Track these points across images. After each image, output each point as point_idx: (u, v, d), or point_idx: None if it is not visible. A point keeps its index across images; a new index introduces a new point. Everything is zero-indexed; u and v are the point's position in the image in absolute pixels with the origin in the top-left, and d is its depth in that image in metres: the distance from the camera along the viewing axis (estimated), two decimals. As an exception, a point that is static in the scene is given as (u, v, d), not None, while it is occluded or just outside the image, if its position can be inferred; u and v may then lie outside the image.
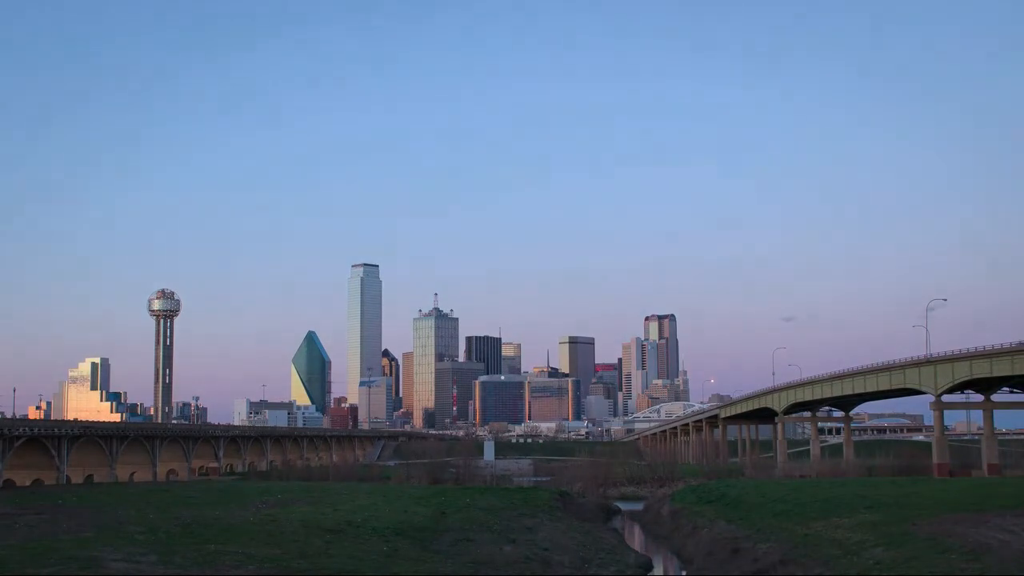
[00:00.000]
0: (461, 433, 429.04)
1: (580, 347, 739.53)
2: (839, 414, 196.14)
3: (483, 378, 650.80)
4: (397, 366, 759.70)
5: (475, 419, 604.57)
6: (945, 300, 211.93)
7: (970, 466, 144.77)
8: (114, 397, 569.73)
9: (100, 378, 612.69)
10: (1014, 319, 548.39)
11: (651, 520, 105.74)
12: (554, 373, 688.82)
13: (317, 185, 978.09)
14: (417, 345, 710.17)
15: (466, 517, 77.21)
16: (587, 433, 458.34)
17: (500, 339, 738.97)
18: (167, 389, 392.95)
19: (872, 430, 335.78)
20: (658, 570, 72.12)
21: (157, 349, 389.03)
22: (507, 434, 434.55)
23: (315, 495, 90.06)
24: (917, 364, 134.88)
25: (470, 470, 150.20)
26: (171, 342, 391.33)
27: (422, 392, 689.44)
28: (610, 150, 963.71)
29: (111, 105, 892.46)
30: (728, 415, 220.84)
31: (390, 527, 65.84)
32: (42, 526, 57.48)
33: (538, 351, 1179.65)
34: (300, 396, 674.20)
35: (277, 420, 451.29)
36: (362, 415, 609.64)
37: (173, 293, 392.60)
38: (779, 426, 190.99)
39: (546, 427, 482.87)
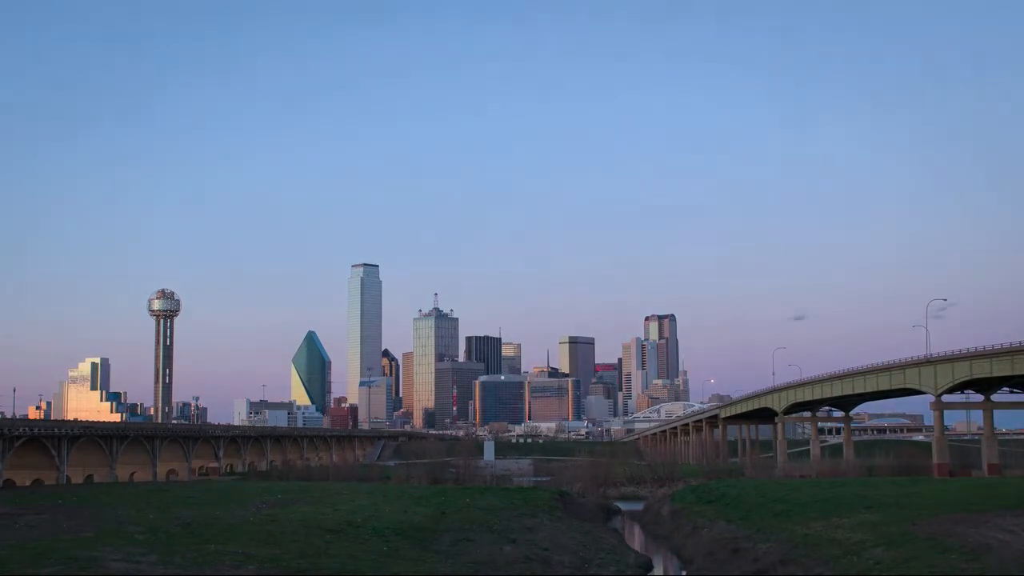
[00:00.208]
0: (461, 433, 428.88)
1: (580, 347, 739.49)
2: (839, 414, 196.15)
3: (483, 378, 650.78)
4: (397, 366, 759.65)
5: (475, 419, 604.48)
6: (945, 300, 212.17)
7: (970, 466, 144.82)
8: (114, 397, 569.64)
9: (100, 378, 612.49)
10: (1014, 319, 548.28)
11: (651, 520, 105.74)
12: (554, 373, 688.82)
13: (317, 185, 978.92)
14: (417, 345, 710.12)
15: (466, 517, 77.22)
16: (587, 433, 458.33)
17: (500, 339, 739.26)
18: (167, 389, 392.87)
19: (872, 430, 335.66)
20: (658, 570, 72.11)
21: (157, 349, 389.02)
22: (507, 434, 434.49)
23: (315, 495, 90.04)
24: (917, 364, 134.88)
25: (470, 470, 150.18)
26: (171, 342, 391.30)
27: (422, 392, 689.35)
28: (610, 150, 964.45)
29: (111, 105, 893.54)
30: (728, 415, 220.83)
31: (390, 527, 65.84)
32: (42, 526, 57.49)
33: (538, 351, 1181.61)
34: (300, 396, 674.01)
35: (277, 420, 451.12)
36: (362, 415, 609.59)
37: (173, 293, 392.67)
38: (779, 426, 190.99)
39: (546, 427, 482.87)
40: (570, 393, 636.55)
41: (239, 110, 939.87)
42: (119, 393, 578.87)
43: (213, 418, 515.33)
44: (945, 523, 56.67)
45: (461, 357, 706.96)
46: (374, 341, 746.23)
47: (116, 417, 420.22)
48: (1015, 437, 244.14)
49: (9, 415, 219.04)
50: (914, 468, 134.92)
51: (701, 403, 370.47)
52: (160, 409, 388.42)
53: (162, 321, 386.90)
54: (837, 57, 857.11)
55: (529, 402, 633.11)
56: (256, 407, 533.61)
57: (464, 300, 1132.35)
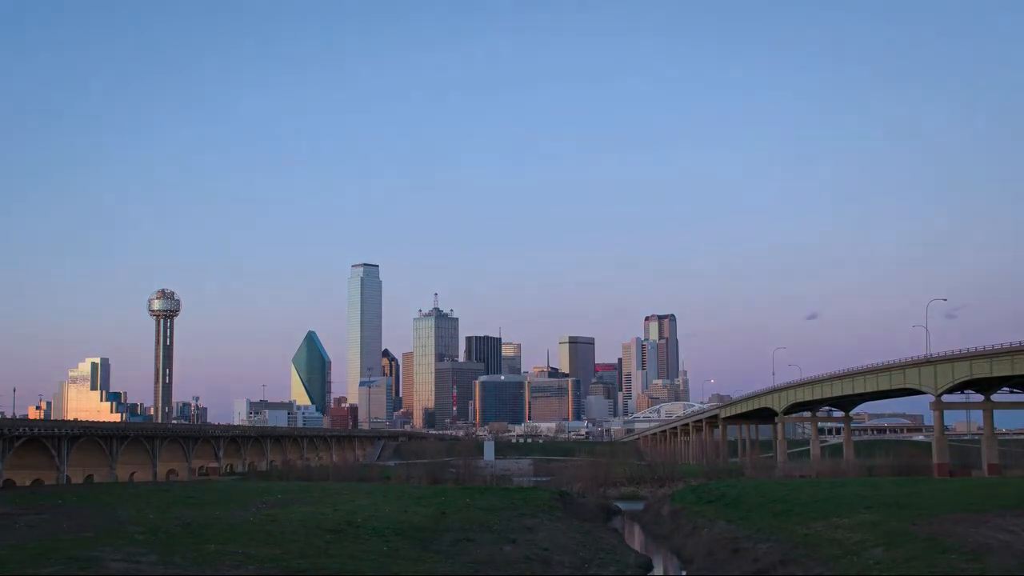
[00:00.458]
0: (461, 433, 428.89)
1: (580, 347, 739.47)
2: (839, 414, 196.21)
3: (483, 378, 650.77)
4: (397, 366, 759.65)
5: (475, 419, 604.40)
6: (945, 300, 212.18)
7: (970, 466, 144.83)
8: (114, 397, 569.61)
9: (100, 378, 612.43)
10: (1014, 319, 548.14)
11: (651, 520, 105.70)
12: (554, 373, 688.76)
13: (317, 185, 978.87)
14: (417, 345, 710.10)
15: (466, 517, 77.20)
16: (587, 433, 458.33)
17: (500, 339, 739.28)
18: (167, 389, 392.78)
19: (872, 430, 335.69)
20: (658, 570, 72.09)
21: (157, 349, 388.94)
22: (507, 434, 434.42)
23: (315, 495, 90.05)
24: (917, 364, 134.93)
25: (470, 470, 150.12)
26: (171, 342, 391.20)
27: (422, 392, 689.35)
28: (610, 150, 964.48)
29: (111, 105, 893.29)
30: (728, 415, 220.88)
31: (390, 527, 65.84)
32: (42, 526, 57.50)
33: (538, 351, 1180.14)
34: (300, 396, 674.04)
35: (277, 420, 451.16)
36: (362, 415, 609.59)
37: (173, 293, 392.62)
38: (779, 426, 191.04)
39: (546, 427, 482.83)
40: (570, 393, 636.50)
41: (238, 109, 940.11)
42: (119, 393, 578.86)
43: (213, 418, 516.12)
44: (945, 523, 56.65)
45: (461, 357, 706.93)
46: (374, 341, 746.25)
47: (116, 417, 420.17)
48: (1015, 437, 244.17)
49: (9, 415, 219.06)
50: (914, 468, 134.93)
51: (701, 403, 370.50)
52: (160, 409, 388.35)
53: (162, 321, 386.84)
54: (843, 52, 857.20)
55: (529, 402, 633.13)
56: (256, 407, 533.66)
57: (464, 300, 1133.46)
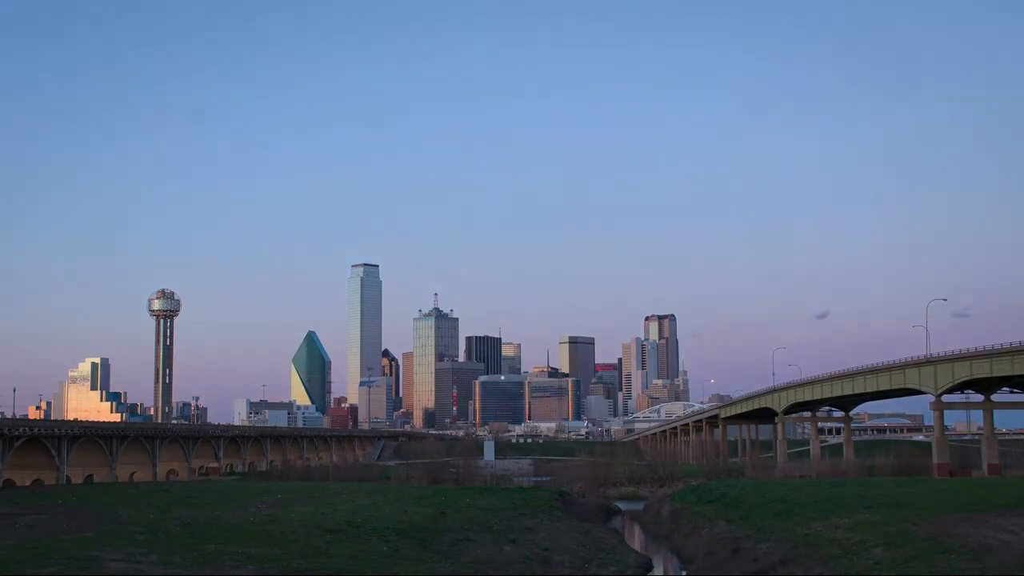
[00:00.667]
0: (461, 433, 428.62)
1: (580, 347, 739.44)
2: (839, 414, 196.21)
3: (483, 378, 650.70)
4: (397, 366, 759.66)
5: (475, 419, 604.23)
6: (945, 300, 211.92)
7: (970, 466, 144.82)
8: (114, 397, 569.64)
9: (100, 378, 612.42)
10: (1014, 319, 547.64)
11: (651, 520, 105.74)
12: (554, 373, 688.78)
13: (317, 185, 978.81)
14: (417, 345, 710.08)
15: (466, 517, 77.20)
16: (587, 433, 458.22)
17: (500, 339, 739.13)
18: (167, 389, 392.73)
19: (872, 430, 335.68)
20: (658, 570, 72.11)
21: (157, 349, 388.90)
22: (507, 434, 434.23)
23: (315, 495, 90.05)
24: (917, 364, 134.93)
25: (470, 470, 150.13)
26: (171, 342, 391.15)
27: (422, 392, 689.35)
28: (611, 149, 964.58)
29: (111, 104, 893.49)
30: (728, 415, 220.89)
31: (390, 527, 65.84)
32: (42, 526, 57.50)
33: (538, 351, 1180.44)
34: (300, 396, 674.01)
35: (277, 420, 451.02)
36: (362, 415, 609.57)
37: (173, 293, 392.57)
38: (779, 426, 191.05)
39: (546, 427, 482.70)
40: (570, 393, 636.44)
41: (238, 109, 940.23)
42: (119, 393, 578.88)
43: (213, 418, 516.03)
44: (945, 523, 56.66)
45: (461, 357, 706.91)
46: (374, 341, 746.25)
47: (116, 417, 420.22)
48: (1015, 437, 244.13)
49: (9, 415, 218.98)
50: (914, 468, 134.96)
51: (701, 403, 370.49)
52: (160, 409, 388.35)
53: (162, 321, 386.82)
54: (849, 50, 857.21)
55: (529, 402, 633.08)
56: (256, 407, 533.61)
57: (464, 300, 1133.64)
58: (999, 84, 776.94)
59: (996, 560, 44.01)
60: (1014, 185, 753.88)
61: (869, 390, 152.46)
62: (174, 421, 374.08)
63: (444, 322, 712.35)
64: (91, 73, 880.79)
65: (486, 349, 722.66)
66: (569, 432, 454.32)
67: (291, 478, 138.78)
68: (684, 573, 70.96)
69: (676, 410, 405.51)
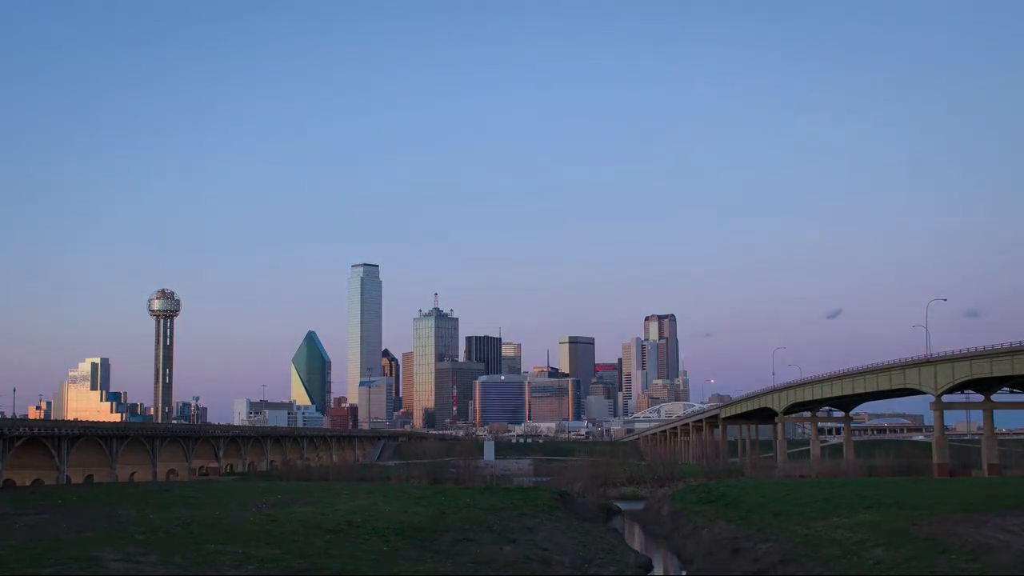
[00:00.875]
0: (461, 433, 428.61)
1: (580, 347, 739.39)
2: (839, 414, 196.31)
3: (483, 378, 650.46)
4: (397, 366, 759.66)
5: (475, 419, 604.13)
6: (945, 300, 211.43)
7: (970, 466, 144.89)
8: (114, 397, 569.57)
9: (100, 378, 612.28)
10: (1013, 319, 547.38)
11: (651, 520, 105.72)
12: (554, 373, 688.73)
13: (317, 185, 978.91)
14: (417, 345, 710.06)
15: (466, 517, 77.21)
16: (587, 433, 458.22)
17: (500, 339, 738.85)
18: (167, 389, 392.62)
19: (872, 430, 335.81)
20: (658, 570, 72.09)
21: (157, 349, 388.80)
22: (507, 434, 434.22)
23: (315, 495, 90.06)
24: (917, 364, 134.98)
25: (470, 470, 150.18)
26: (171, 342, 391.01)
27: (422, 392, 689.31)
28: (611, 149, 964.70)
29: (111, 104, 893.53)
30: (728, 415, 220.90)
31: (390, 527, 65.83)
32: (42, 526, 57.51)
33: (538, 351, 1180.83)
34: (300, 396, 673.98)
35: (277, 420, 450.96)
36: (362, 415, 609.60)
37: (173, 293, 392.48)
38: (779, 426, 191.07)
39: (546, 427, 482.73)
40: (570, 393, 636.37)
41: (238, 110, 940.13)
42: (119, 393, 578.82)
43: (213, 418, 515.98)
44: (945, 523, 56.69)
45: (461, 357, 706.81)
46: (374, 341, 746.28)
47: (116, 417, 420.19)
48: (1015, 437, 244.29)
49: (9, 415, 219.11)
50: (914, 468, 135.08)
51: (701, 403, 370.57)
52: (160, 409, 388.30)
53: (162, 321, 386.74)
54: (860, 49, 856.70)
55: (529, 402, 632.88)
56: (256, 407, 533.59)
57: (464, 300, 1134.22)
58: (960, 82, 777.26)
59: (996, 560, 44.04)
60: None
61: (869, 390, 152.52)
62: (174, 421, 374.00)
63: (444, 322, 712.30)
64: (91, 74, 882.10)
65: (486, 349, 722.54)
66: (569, 432, 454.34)
67: (291, 478, 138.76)
68: (684, 573, 70.94)
69: (676, 410, 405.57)
